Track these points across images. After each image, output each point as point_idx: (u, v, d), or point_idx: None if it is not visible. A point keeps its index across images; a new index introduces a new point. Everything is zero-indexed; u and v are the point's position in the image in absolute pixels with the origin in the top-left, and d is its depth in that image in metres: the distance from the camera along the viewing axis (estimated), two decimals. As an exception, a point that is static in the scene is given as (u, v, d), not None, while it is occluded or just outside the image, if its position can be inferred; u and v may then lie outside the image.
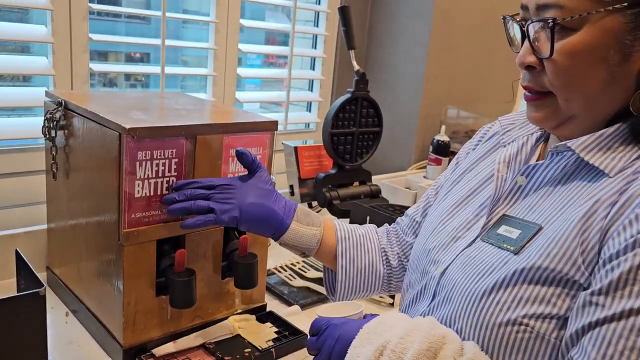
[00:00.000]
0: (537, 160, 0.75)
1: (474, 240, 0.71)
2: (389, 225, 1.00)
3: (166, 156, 0.87)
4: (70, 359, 0.94)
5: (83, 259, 1.01)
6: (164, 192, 0.89)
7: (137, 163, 0.85)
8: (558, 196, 0.66)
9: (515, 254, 0.64)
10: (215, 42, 1.66)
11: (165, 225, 0.91)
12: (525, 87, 0.68)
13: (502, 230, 0.68)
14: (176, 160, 0.89)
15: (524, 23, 0.66)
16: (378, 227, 1.01)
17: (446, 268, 0.71)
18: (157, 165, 0.87)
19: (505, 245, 0.66)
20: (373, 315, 0.69)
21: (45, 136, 1.02)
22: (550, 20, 0.61)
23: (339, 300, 0.94)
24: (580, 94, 0.64)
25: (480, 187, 0.78)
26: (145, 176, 0.86)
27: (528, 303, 0.61)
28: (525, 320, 0.60)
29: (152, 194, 0.88)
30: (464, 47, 2.07)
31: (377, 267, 0.93)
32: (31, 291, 0.74)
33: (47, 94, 1.06)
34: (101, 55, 1.49)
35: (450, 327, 0.66)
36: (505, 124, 0.81)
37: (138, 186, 0.86)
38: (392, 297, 1.21)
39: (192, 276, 0.91)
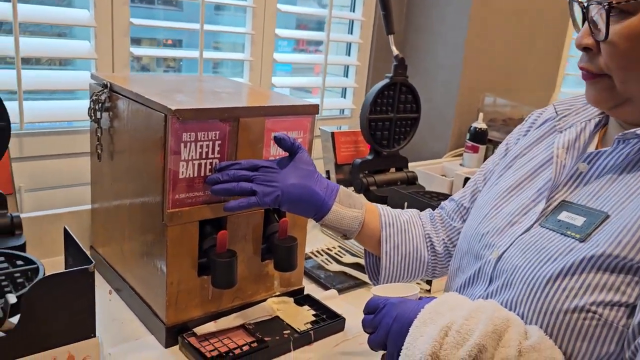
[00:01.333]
0: (596, 147, 0.73)
1: (531, 226, 0.70)
2: (432, 210, 0.99)
3: (209, 138, 0.88)
4: (114, 334, 0.96)
5: (126, 239, 1.03)
6: (207, 173, 0.90)
7: (182, 144, 0.86)
8: (624, 184, 0.66)
9: (582, 241, 0.64)
10: (253, 27, 1.66)
11: (208, 207, 0.92)
12: (581, 68, 0.67)
13: (564, 216, 0.68)
14: (219, 142, 0.90)
15: (584, 5, 0.65)
16: None
17: (503, 253, 0.71)
18: (201, 146, 0.88)
19: (569, 232, 0.66)
20: (429, 298, 0.69)
21: (90, 118, 1.03)
22: (606, 3, 0.61)
23: (381, 284, 0.93)
24: (637, 77, 0.62)
25: (536, 172, 0.77)
26: (190, 157, 0.87)
27: (596, 290, 0.60)
28: (594, 308, 0.60)
29: (195, 175, 0.89)
30: (503, 34, 2.03)
31: (422, 253, 0.93)
32: (80, 267, 0.76)
33: (92, 76, 1.08)
34: (134, 41, 1.51)
35: (511, 311, 0.66)
36: (561, 109, 0.79)
37: (182, 167, 0.87)
38: (429, 282, 1.21)
39: (234, 257, 0.92)
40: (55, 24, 1.37)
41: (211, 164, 0.90)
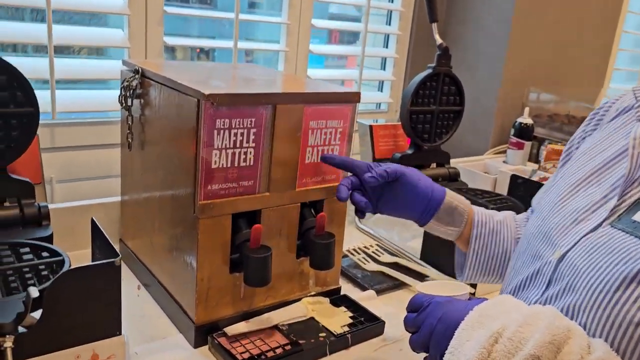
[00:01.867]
0: None
1: (600, 225, 0.62)
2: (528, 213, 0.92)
3: (245, 125, 0.83)
4: (141, 332, 0.92)
5: (156, 232, 0.98)
6: (242, 163, 0.85)
7: (215, 131, 0.80)
8: None
9: None
10: (288, 17, 1.61)
11: (241, 199, 0.86)
12: None
13: None
14: (255, 130, 0.84)
15: None
16: None
17: (565, 253, 0.63)
18: (235, 134, 0.82)
19: None
20: (480, 299, 0.61)
21: (121, 105, 0.99)
22: None
23: (465, 280, 0.90)
24: None
25: (609, 164, 0.68)
26: (223, 146, 0.82)
27: None
28: None
29: (229, 165, 0.83)
30: (549, 25, 1.92)
31: (510, 255, 0.87)
32: (106, 260, 0.71)
33: (124, 62, 1.04)
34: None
35: (572, 320, 0.58)
36: None
37: (215, 156, 0.82)
38: (474, 285, 1.13)
39: (269, 253, 0.86)
40: (88, 11, 1.34)
41: (245, 153, 0.84)
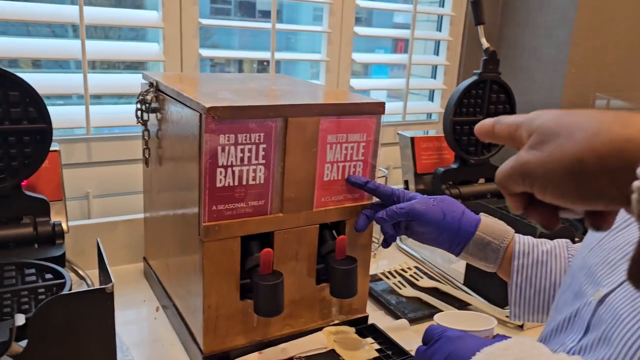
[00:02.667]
0: None
1: None
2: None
3: (252, 141, 0.76)
4: (152, 358, 0.87)
5: (171, 253, 0.94)
6: (251, 181, 0.78)
7: (219, 147, 0.74)
8: None
9: None
10: (329, 25, 1.54)
11: (251, 220, 0.79)
12: None
13: None
14: (264, 145, 0.77)
15: None
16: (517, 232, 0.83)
17: (608, 294, 0.52)
18: (242, 150, 0.76)
19: None
20: (501, 337, 0.52)
21: (137, 119, 0.96)
22: None
23: (514, 320, 0.81)
24: None
25: None
26: (229, 163, 0.75)
27: None
28: None
29: (236, 183, 0.77)
30: (618, 25, 1.75)
31: None
32: (97, 287, 0.66)
33: (144, 76, 1.00)
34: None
35: None
36: None
37: (220, 174, 0.75)
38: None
39: (279, 280, 0.78)
40: (123, 25, 1.33)
41: (254, 170, 0.78)
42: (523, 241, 0.80)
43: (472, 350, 0.54)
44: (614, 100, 1.79)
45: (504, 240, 0.79)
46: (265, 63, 1.62)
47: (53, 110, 1.28)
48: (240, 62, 1.69)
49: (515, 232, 0.85)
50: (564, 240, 0.82)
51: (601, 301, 0.52)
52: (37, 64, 1.44)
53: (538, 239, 0.82)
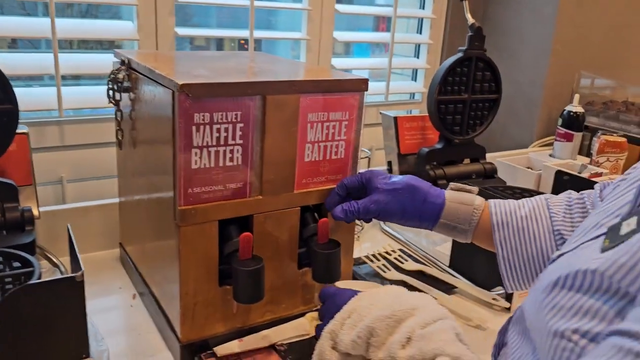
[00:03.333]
0: None
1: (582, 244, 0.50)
2: (572, 195, 0.77)
3: (229, 120, 0.72)
4: (128, 347, 0.84)
5: (147, 238, 0.90)
6: (228, 163, 0.74)
7: (194, 127, 0.70)
8: None
9: (603, 251, 0.45)
10: (310, 2, 1.49)
11: (229, 203, 0.76)
12: None
13: (625, 223, 0.47)
14: (242, 125, 0.74)
15: None
16: None
17: (560, 255, 0.53)
18: (219, 130, 0.72)
19: (604, 240, 0.47)
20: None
21: (109, 99, 0.91)
22: None
23: (511, 291, 0.86)
24: None
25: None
26: (204, 144, 0.72)
27: (579, 314, 0.43)
28: (574, 337, 0.43)
29: (212, 165, 0.73)
30: (603, 3, 1.73)
31: (549, 254, 0.73)
32: (66, 275, 0.63)
33: (115, 54, 0.95)
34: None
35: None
36: None
37: (196, 155, 0.72)
38: (509, 299, 0.99)
39: (259, 265, 0.75)
40: (93, 2, 1.27)
41: (231, 151, 0.74)
42: (500, 210, 0.77)
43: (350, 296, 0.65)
44: (598, 78, 1.78)
45: (471, 222, 0.77)
46: (245, 45, 1.58)
47: (23, 92, 1.23)
48: (220, 44, 1.64)
49: (513, 197, 0.83)
50: (543, 196, 0.79)
51: (554, 260, 0.53)
52: (13, 45, 1.39)
53: (516, 202, 0.79)
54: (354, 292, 0.67)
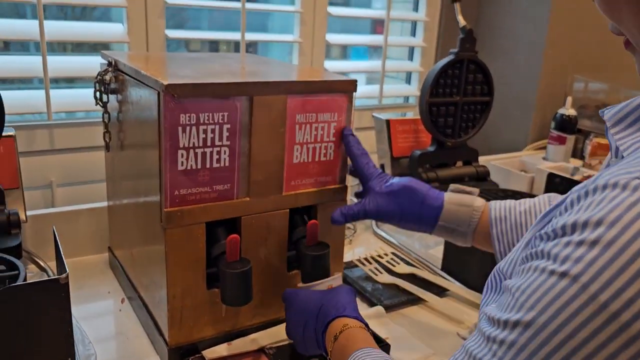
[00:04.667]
0: None
1: None
2: None
3: (215, 120, 0.72)
4: (116, 352, 0.83)
5: (135, 242, 0.89)
6: (215, 164, 0.73)
7: (180, 128, 0.69)
8: None
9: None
10: (302, 5, 1.49)
11: (216, 205, 0.75)
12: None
13: None
14: (228, 126, 0.73)
15: None
16: None
17: None
18: (205, 131, 0.71)
19: None
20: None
21: (95, 101, 0.90)
22: None
23: None
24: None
25: None
26: (191, 145, 0.71)
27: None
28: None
29: (199, 166, 0.72)
30: (596, 6, 1.73)
31: None
32: (49, 278, 0.62)
33: (102, 55, 0.95)
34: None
35: None
36: None
37: (182, 157, 0.71)
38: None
39: (247, 267, 0.74)
40: (82, 4, 1.27)
41: (218, 152, 0.73)
42: (499, 206, 0.77)
43: (313, 301, 0.71)
44: (592, 82, 1.78)
45: (470, 223, 0.77)
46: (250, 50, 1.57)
47: (12, 95, 1.22)
48: (216, 49, 1.63)
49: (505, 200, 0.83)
50: (547, 195, 0.79)
51: None
52: (5, 48, 1.38)
53: (517, 201, 0.78)
54: (319, 293, 0.71)
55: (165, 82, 0.67)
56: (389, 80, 1.77)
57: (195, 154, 0.72)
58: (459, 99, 1.22)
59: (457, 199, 0.79)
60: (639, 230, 0.34)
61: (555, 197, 0.78)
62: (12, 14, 1.29)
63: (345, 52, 1.95)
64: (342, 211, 0.80)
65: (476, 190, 0.81)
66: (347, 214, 0.80)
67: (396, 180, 0.81)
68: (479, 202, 0.78)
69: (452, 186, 0.82)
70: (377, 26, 1.91)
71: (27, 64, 1.23)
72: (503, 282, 0.47)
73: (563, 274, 0.37)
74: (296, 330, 0.73)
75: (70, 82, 1.38)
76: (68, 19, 1.38)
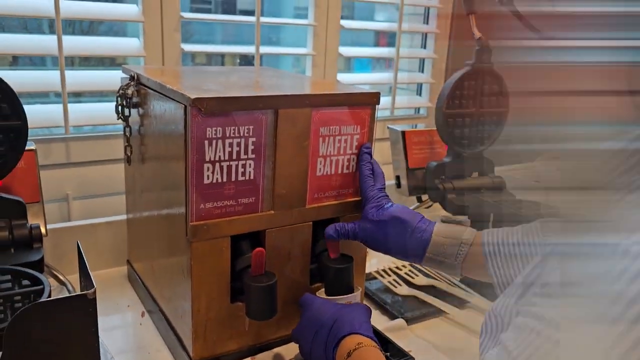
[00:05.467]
0: None
1: None
2: None
3: (241, 134, 0.72)
4: (138, 367, 0.82)
5: (156, 255, 0.89)
6: (240, 177, 0.74)
7: (206, 141, 0.70)
8: None
9: None
10: (315, 18, 1.50)
11: (241, 218, 0.75)
12: None
13: None
14: (254, 139, 0.73)
15: None
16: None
17: None
18: (231, 144, 0.71)
19: None
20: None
21: (117, 115, 0.91)
22: None
23: None
24: None
25: None
26: (217, 158, 0.71)
27: None
28: None
29: (225, 180, 0.73)
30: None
31: None
32: (77, 293, 0.62)
33: (123, 69, 0.95)
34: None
35: None
36: None
37: (208, 170, 0.71)
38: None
39: (272, 281, 0.74)
40: (99, 19, 1.27)
41: (244, 166, 0.73)
42: (491, 240, 0.75)
43: (329, 312, 0.72)
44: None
45: (457, 256, 0.75)
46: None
47: (30, 109, 1.22)
48: (222, 62, 1.64)
49: (499, 221, 0.81)
50: (538, 221, 0.77)
51: None
52: (14, 63, 1.39)
53: (508, 229, 0.76)
54: (336, 307, 0.72)
55: (193, 97, 0.67)
56: (399, 92, 1.77)
57: (221, 168, 0.72)
58: (475, 110, 1.22)
59: (446, 231, 0.77)
60: None
61: (545, 223, 0.76)
62: (20, 28, 1.30)
63: (349, 63, 1.96)
64: (336, 227, 0.80)
65: (467, 220, 0.79)
66: (340, 231, 0.80)
67: (390, 209, 0.79)
68: (468, 233, 0.76)
69: (442, 217, 0.81)
70: (380, 38, 1.92)
71: (41, 78, 1.24)
72: (499, 333, 0.47)
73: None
74: (306, 337, 0.73)
75: (77, 95, 1.38)
76: (76, 33, 1.39)
